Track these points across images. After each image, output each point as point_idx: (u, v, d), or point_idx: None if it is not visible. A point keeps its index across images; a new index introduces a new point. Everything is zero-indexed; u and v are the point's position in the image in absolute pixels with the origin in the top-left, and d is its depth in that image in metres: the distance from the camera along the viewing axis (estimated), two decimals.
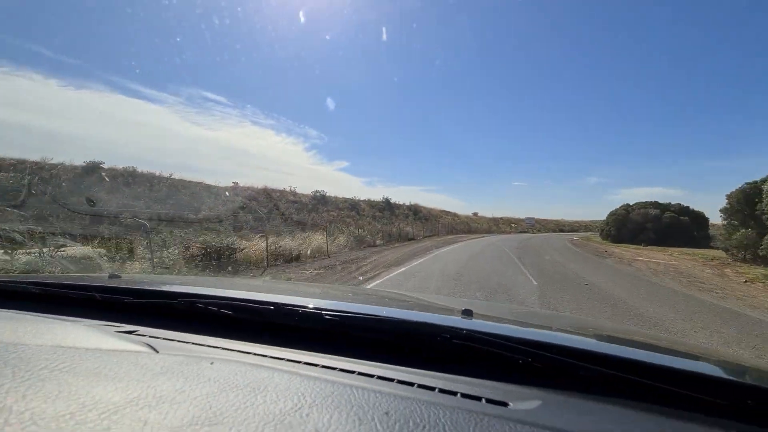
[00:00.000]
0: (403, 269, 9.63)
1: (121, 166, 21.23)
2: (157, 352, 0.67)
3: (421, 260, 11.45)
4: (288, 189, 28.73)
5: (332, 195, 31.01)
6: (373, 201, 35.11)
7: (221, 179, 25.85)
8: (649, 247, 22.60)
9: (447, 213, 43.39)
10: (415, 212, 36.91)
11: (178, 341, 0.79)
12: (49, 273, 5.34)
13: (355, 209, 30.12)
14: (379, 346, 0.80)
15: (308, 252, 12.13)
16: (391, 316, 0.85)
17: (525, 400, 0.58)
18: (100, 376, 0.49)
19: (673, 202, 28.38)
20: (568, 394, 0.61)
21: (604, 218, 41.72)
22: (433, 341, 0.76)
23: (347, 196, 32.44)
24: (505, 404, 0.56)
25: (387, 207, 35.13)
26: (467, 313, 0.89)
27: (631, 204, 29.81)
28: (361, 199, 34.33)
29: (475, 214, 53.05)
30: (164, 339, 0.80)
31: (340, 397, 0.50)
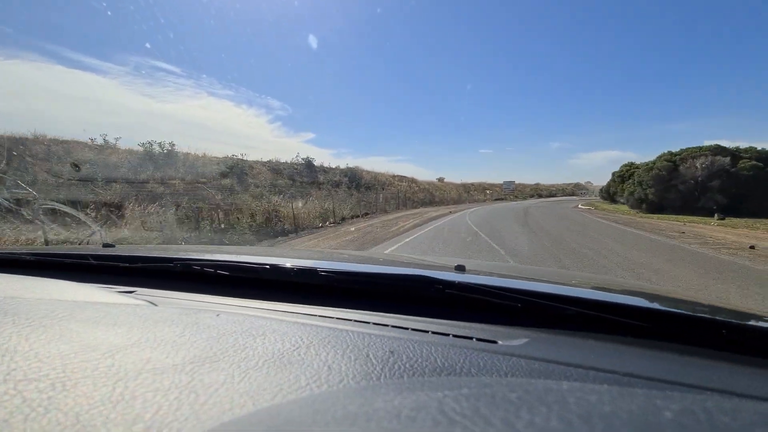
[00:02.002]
0: None
1: None
2: (156, 305, 0.66)
3: None
4: (92, 141, 15.55)
5: (196, 152, 18.17)
6: (280, 163, 22.58)
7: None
8: (743, 221, 12.27)
9: (402, 179, 31.72)
10: (353, 179, 24.92)
11: (177, 299, 0.80)
12: None
13: (236, 176, 17.62)
14: (374, 299, 0.81)
15: None
16: (386, 272, 0.91)
17: (513, 339, 0.60)
18: (101, 323, 0.49)
19: (741, 146, 18.01)
20: (554, 332, 0.64)
21: (609, 179, 32.16)
22: (426, 293, 0.77)
23: (230, 154, 19.62)
24: (494, 342, 0.59)
25: (306, 171, 22.84)
26: (460, 269, 0.91)
27: (674, 151, 19.11)
28: (260, 159, 21.67)
29: (441, 179, 41.88)
30: (162, 297, 0.80)
31: (337, 339, 0.51)
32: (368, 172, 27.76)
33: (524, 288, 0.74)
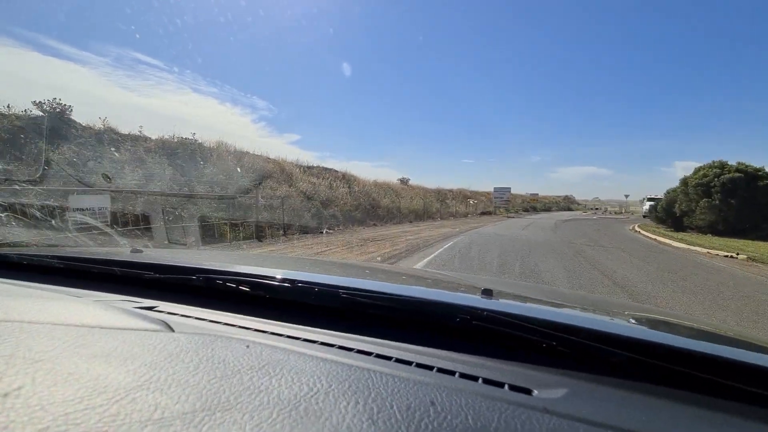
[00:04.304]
0: None
1: None
2: (173, 330, 0.66)
3: None
4: None
5: None
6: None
7: None
8: None
9: (322, 172, 18.37)
10: (175, 160, 11.58)
11: (195, 318, 0.80)
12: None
13: None
14: (396, 325, 0.78)
15: None
16: (409, 295, 0.87)
17: (550, 388, 0.54)
18: (113, 356, 0.49)
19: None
20: (598, 380, 0.57)
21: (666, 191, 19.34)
22: (451, 322, 0.74)
23: None
24: (528, 391, 0.52)
25: (35, 132, 9.41)
26: (487, 293, 0.88)
27: None
28: None
29: (405, 182, 28.84)
30: (182, 315, 0.80)
31: (358, 382, 0.48)
32: (236, 152, 14.39)
33: (563, 322, 0.67)
